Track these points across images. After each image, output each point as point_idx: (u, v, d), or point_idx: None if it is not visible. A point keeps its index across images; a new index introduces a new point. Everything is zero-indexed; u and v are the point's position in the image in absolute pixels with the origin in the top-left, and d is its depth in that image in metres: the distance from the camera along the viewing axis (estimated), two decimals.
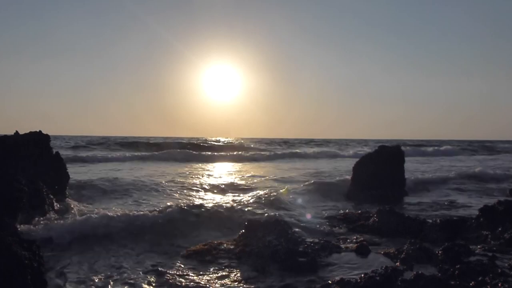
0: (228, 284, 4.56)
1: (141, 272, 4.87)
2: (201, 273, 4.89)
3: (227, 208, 9.12)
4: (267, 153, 34.18)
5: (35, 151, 8.26)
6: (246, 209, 8.93)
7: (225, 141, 57.15)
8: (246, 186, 13.38)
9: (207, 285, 4.51)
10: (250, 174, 17.07)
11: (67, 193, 8.93)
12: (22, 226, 6.12)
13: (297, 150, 38.12)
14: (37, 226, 6.30)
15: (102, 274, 4.76)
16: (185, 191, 11.77)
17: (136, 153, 28.19)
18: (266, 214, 8.38)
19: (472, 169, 17.23)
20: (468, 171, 16.56)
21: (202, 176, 16.20)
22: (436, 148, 42.53)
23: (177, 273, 4.88)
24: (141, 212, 7.55)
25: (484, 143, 65.96)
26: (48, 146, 8.66)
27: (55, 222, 6.60)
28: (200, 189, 12.29)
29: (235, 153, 32.33)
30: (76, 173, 14.07)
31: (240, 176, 16.57)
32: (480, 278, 3.99)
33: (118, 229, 6.79)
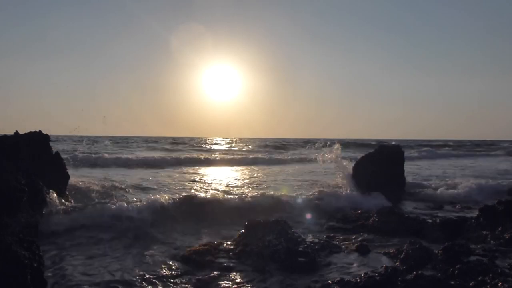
0: (228, 284, 4.56)
1: (140, 273, 4.87)
2: (201, 273, 4.89)
3: (227, 207, 9.12)
4: None
5: (35, 151, 8.25)
6: (246, 209, 8.92)
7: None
8: (246, 186, 13.38)
9: (207, 285, 4.50)
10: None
11: (67, 193, 8.93)
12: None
13: None
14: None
15: (98, 275, 4.76)
16: (183, 191, 11.76)
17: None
18: (266, 214, 8.38)
19: None
20: None
21: (201, 178, 16.20)
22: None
23: (177, 273, 4.87)
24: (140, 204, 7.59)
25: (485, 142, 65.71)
26: (48, 146, 8.65)
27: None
28: (198, 190, 12.28)
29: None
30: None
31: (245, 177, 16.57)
32: (480, 278, 3.99)
33: (115, 227, 6.85)
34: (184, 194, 9.63)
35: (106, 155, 21.36)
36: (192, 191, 11.57)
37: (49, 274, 4.57)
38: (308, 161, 23.78)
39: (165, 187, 12.09)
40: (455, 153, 41.10)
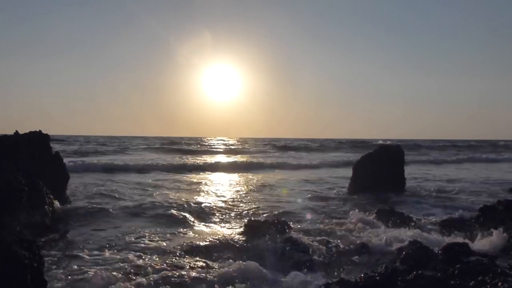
0: (227, 283, 4.55)
1: (143, 269, 4.87)
2: (200, 271, 4.88)
3: (227, 207, 9.13)
4: None
5: (35, 151, 8.26)
6: (246, 208, 8.93)
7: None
8: (246, 186, 13.39)
9: (206, 285, 4.50)
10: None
11: (67, 193, 8.93)
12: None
13: None
14: None
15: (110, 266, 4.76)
16: (184, 191, 11.78)
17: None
18: (266, 214, 8.39)
19: None
20: None
21: (200, 178, 16.19)
22: None
23: (178, 270, 4.87)
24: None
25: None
26: (48, 146, 8.66)
27: None
28: (199, 190, 12.30)
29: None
30: None
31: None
32: (480, 278, 3.99)
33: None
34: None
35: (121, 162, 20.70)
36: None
37: None
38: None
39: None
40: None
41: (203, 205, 9.40)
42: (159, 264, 5.10)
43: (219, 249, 5.76)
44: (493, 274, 4.03)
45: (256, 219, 7.09)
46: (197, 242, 6.07)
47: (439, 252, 5.06)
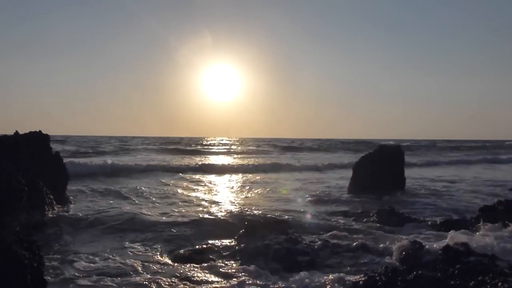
0: (227, 284, 4.55)
1: (143, 271, 4.87)
2: (201, 272, 4.89)
3: (227, 208, 9.13)
4: None
5: (35, 151, 8.26)
6: (246, 209, 8.92)
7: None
8: (246, 185, 13.38)
9: (207, 285, 4.50)
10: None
11: (66, 193, 8.93)
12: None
13: None
14: None
15: (99, 276, 4.76)
16: (184, 192, 11.77)
17: None
18: (266, 214, 8.38)
19: None
20: None
21: (200, 179, 16.17)
22: None
23: (178, 272, 4.87)
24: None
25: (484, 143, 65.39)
26: (48, 146, 8.66)
27: None
28: (199, 191, 12.29)
29: None
30: None
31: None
32: (480, 278, 3.98)
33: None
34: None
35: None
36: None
37: None
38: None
39: None
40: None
41: (203, 206, 9.41)
42: (158, 269, 5.10)
43: (220, 251, 5.76)
44: (493, 274, 4.03)
45: (256, 219, 7.09)
46: (197, 245, 6.07)
47: (439, 252, 5.06)
